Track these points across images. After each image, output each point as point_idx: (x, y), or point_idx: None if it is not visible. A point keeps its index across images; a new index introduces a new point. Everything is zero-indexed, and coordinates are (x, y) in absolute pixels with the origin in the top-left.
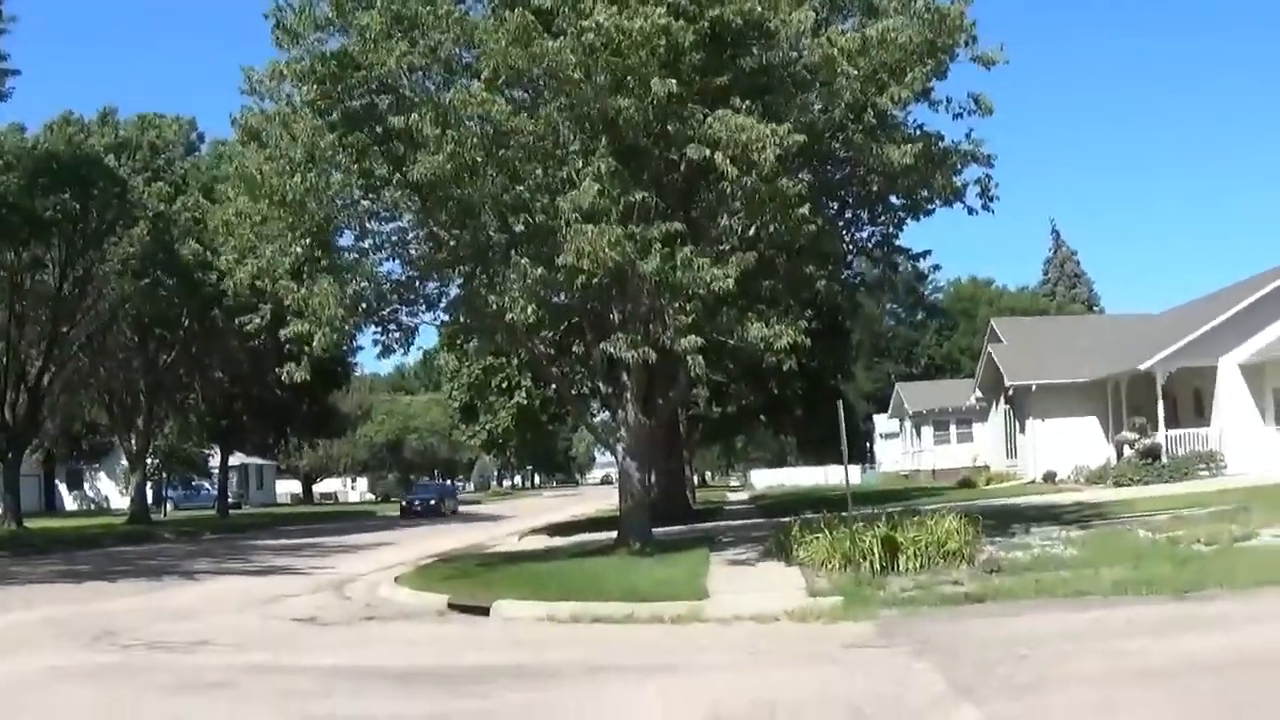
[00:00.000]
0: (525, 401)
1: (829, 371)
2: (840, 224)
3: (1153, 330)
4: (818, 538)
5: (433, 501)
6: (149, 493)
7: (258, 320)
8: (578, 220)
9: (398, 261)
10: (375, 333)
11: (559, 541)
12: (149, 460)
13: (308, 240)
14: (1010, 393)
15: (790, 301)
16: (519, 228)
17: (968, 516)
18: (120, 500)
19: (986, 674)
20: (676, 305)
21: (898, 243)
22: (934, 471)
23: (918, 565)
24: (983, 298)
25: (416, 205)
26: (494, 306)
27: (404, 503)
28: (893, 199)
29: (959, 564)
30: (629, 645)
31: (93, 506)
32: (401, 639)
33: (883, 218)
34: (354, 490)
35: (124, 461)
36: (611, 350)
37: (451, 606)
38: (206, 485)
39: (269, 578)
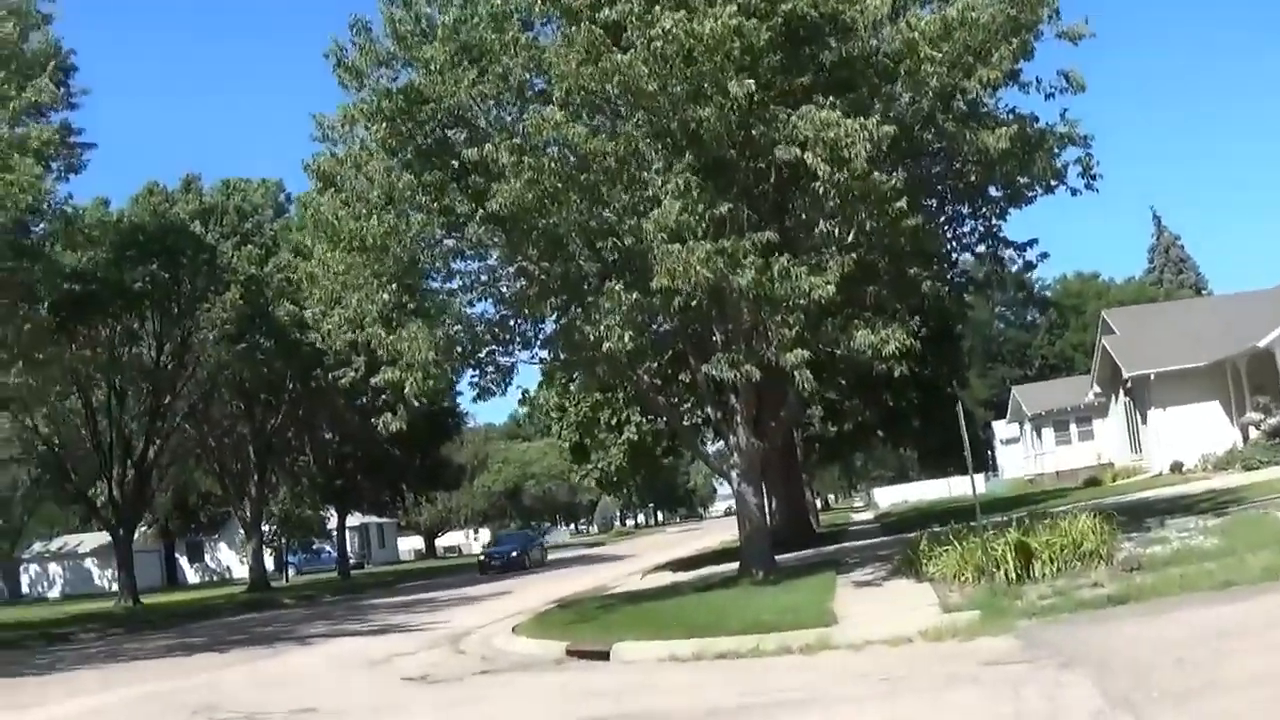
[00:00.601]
0: (636, 436)
1: (943, 379)
2: (941, 220)
3: (1267, 305)
4: (947, 550)
5: (515, 553)
6: (270, 559)
7: (352, 373)
8: (664, 240)
9: (490, 301)
10: (473, 376)
11: (683, 577)
12: (266, 527)
13: (394, 285)
14: (1128, 384)
15: (897, 306)
16: (612, 256)
17: (1101, 514)
18: (242, 570)
19: (1143, 682)
20: (778, 319)
21: (1001, 235)
22: (1058, 473)
23: (1054, 570)
24: (1090, 292)
25: (501, 240)
26: (591, 338)
27: (481, 558)
28: (992, 190)
29: (1097, 565)
30: (755, 682)
31: (215, 578)
32: (514, 693)
33: (983, 210)
34: (477, 541)
35: (242, 531)
36: (714, 372)
37: (570, 653)
38: (327, 548)
39: (384, 637)
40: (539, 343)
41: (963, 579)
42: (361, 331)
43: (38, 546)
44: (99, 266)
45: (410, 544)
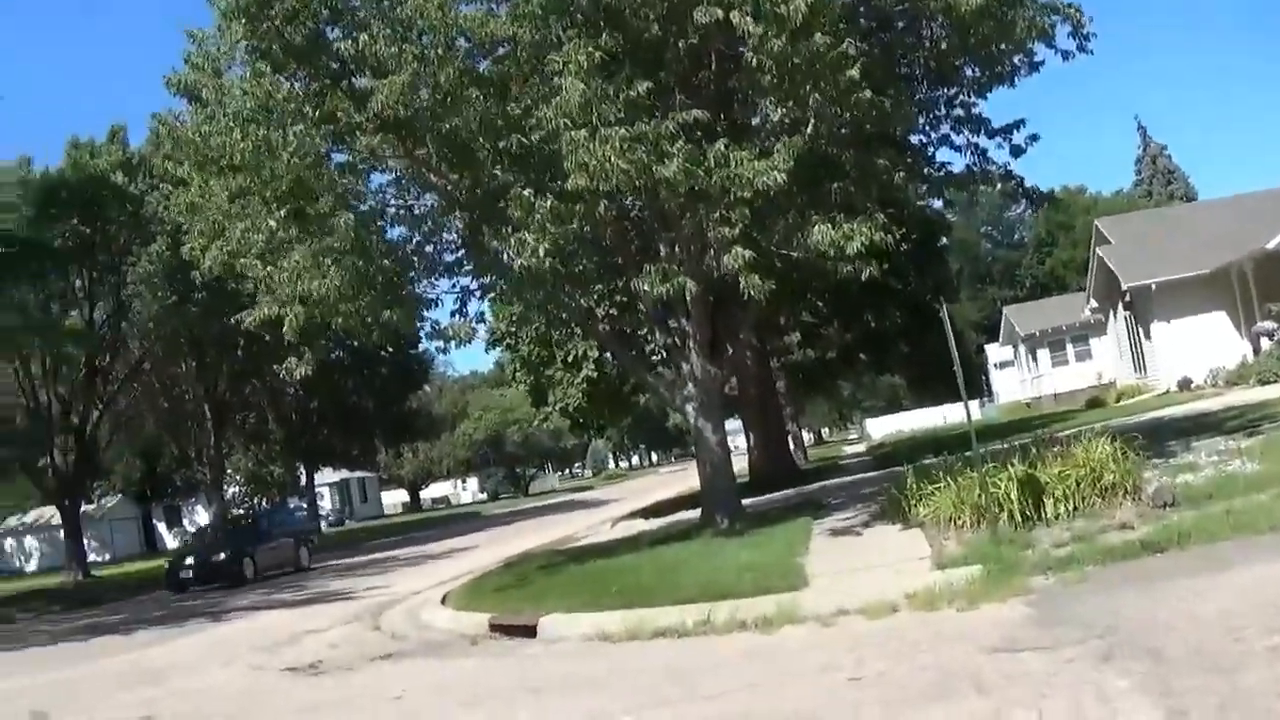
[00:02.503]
0: (595, 373)
1: (929, 294)
2: (913, 103)
3: (1271, 206)
4: (939, 488)
5: (223, 557)
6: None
7: (260, 313)
8: (567, 127)
9: (404, 227)
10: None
11: (653, 525)
12: (235, 488)
13: (281, 211)
14: (1127, 297)
15: (867, 205)
16: (522, 155)
17: (1121, 438)
18: None
19: (1235, 699)
20: (716, 215)
21: (983, 117)
22: (1056, 396)
23: (1070, 509)
24: (1078, 207)
25: (400, 150)
26: (504, 257)
27: (167, 566)
28: (967, 70)
29: (1120, 500)
30: (689, 677)
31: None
32: (391, 692)
33: (959, 94)
34: (465, 491)
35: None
36: (645, 288)
37: (493, 628)
38: (305, 507)
39: (309, 608)
40: (456, 268)
41: (959, 523)
42: (235, 263)
43: (12, 521)
44: (20, 226)
45: (395, 498)
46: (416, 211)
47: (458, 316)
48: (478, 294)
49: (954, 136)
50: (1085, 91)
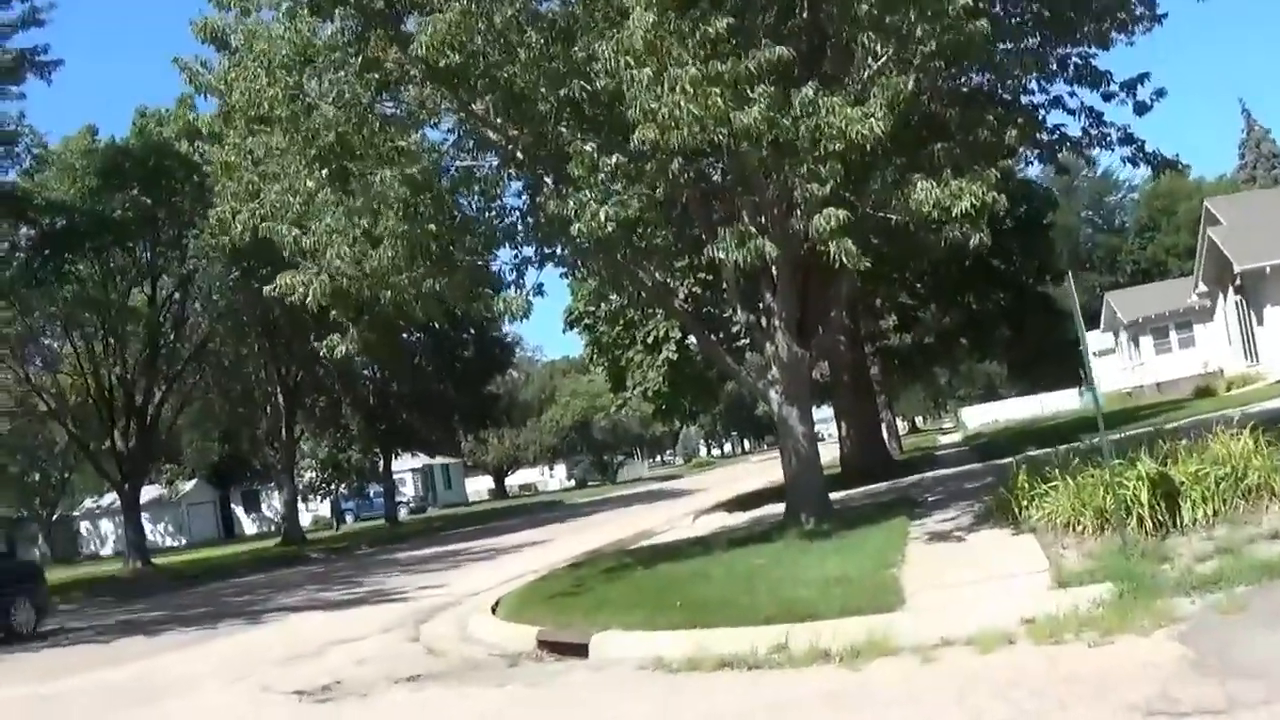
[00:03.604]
0: (676, 356)
1: (1033, 276)
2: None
3: None
4: (1054, 488)
5: None
6: (326, 507)
7: (283, 282)
8: (629, 67)
9: (462, 190)
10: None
11: (737, 519)
12: (310, 474)
13: (322, 170)
14: (1238, 281)
15: (975, 166)
16: (586, 107)
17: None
18: (304, 518)
19: None
20: (804, 171)
21: (1102, 71)
22: (1159, 385)
23: (1209, 513)
24: (1181, 193)
25: (454, 103)
26: (564, 218)
27: None
28: (1085, 25)
29: (1267, 504)
30: None
31: (272, 528)
32: None
33: (1072, 51)
34: (552, 478)
35: (274, 480)
36: (719, 255)
37: (541, 644)
38: (384, 493)
39: (354, 610)
40: (515, 235)
41: (1079, 529)
42: (256, 226)
43: (89, 503)
44: (84, 197)
45: (481, 484)
46: (478, 174)
47: (514, 288)
48: (537, 263)
49: (1068, 99)
50: (1186, 75)
